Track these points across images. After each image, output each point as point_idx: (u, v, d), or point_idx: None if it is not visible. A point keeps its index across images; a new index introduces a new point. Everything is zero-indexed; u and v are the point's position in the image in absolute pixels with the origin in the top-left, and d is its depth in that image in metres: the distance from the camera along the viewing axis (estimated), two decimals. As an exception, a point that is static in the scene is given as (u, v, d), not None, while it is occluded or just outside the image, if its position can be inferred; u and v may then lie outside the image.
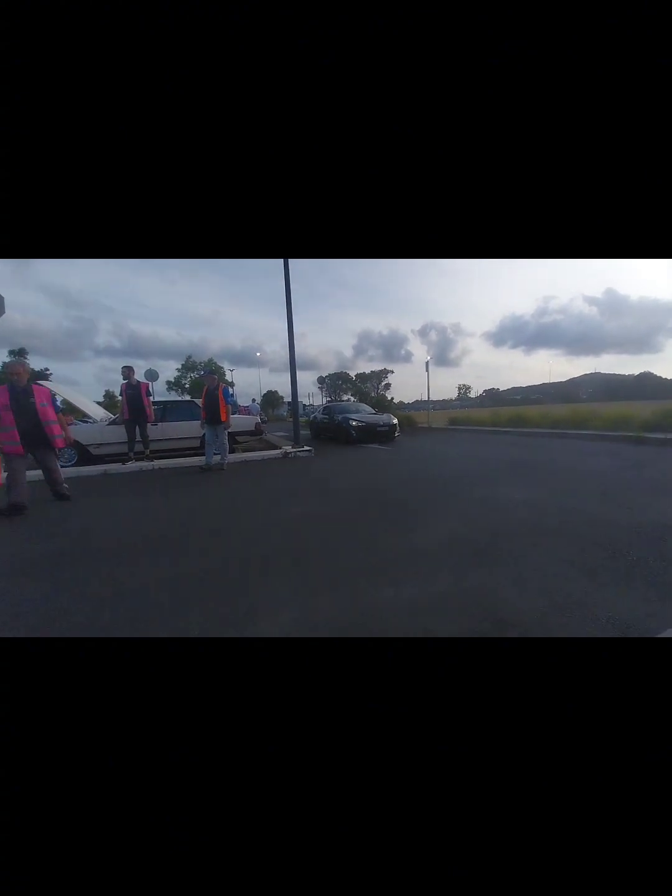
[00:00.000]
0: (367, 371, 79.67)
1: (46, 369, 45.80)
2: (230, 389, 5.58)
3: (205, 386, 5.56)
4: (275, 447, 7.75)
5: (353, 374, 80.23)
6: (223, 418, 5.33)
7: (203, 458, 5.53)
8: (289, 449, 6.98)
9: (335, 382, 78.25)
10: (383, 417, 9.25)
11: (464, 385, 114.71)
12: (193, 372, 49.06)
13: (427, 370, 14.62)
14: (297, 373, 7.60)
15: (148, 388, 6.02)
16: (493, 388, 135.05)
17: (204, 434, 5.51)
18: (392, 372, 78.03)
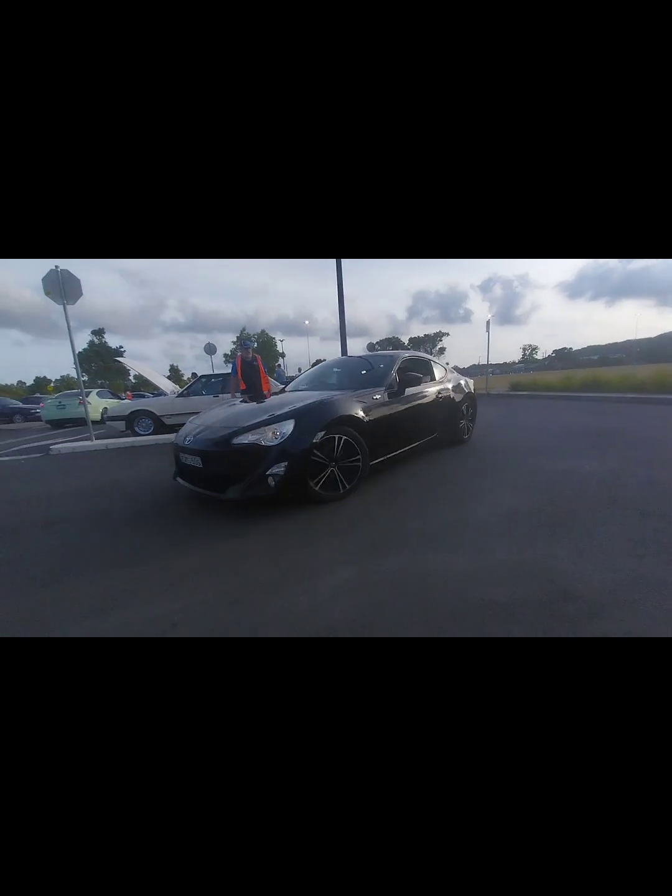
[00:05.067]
0: (421, 335, 75.54)
1: (120, 347, 50.28)
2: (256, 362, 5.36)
3: (239, 356, 5.42)
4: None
5: (405, 338, 76.58)
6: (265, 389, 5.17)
7: None
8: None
9: (386, 348, 75.49)
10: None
11: (529, 346, 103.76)
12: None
13: (487, 330, 13.44)
14: (348, 340, 7.52)
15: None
16: (565, 348, 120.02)
17: None
18: (447, 335, 73.11)
